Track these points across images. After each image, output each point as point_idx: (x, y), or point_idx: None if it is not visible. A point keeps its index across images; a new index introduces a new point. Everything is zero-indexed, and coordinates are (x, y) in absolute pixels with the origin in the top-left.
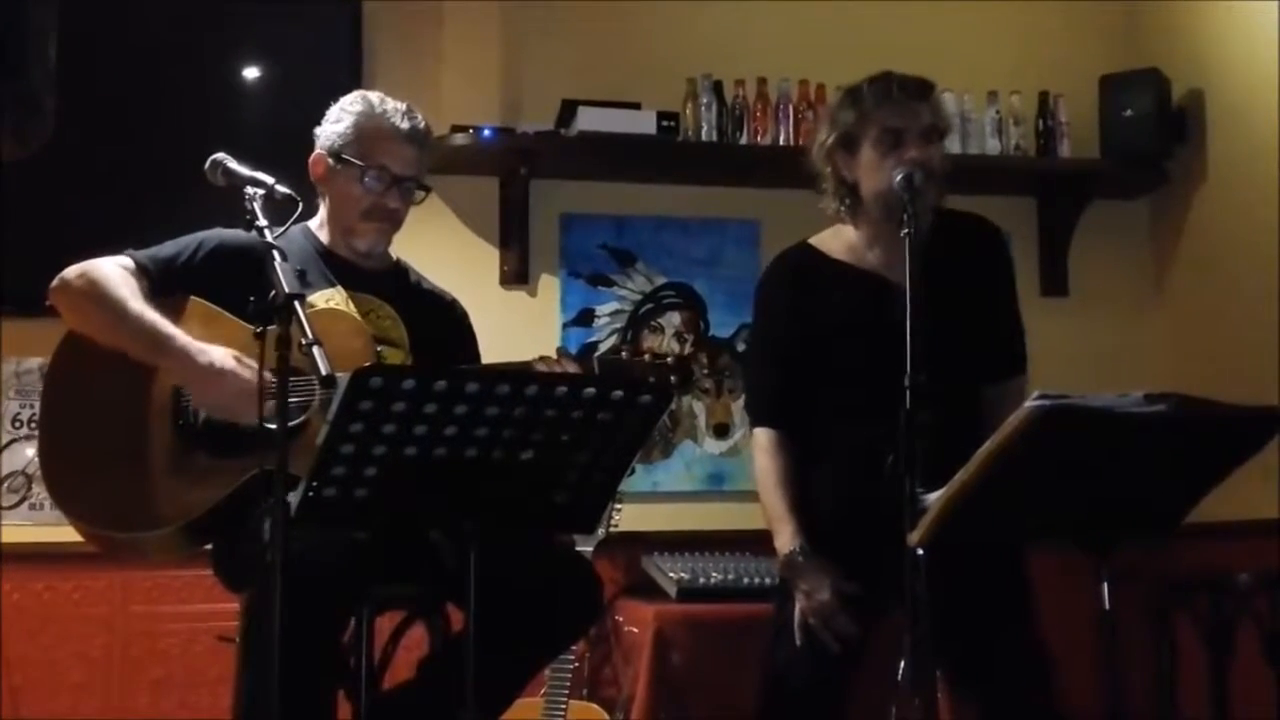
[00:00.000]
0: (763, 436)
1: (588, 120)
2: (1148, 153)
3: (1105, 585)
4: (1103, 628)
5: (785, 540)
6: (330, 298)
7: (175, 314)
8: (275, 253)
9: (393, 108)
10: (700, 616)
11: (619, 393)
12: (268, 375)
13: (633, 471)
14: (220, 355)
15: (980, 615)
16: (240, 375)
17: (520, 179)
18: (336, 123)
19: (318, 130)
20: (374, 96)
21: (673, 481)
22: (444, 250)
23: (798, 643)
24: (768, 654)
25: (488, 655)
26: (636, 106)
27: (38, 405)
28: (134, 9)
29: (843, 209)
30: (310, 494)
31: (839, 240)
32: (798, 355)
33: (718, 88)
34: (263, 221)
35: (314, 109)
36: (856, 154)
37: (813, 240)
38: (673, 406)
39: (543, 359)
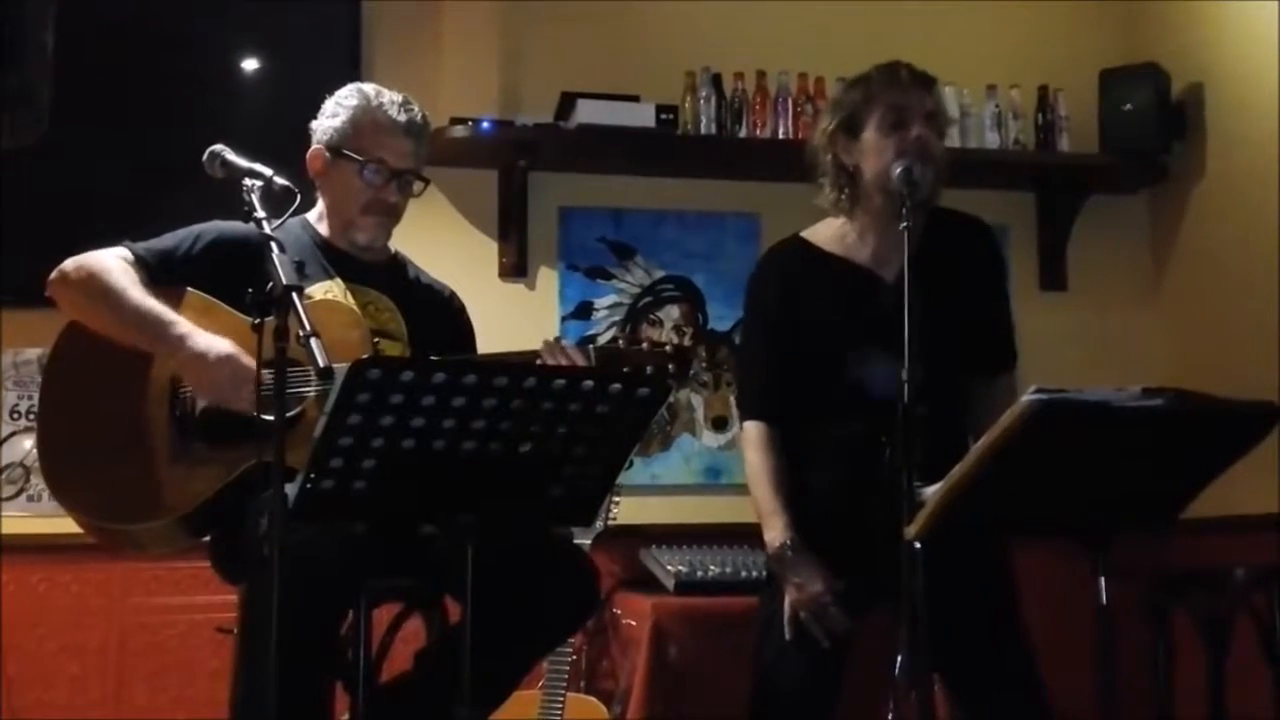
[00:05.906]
0: (752, 430)
1: (587, 113)
2: (1147, 147)
3: (1102, 580)
4: (1100, 623)
5: (776, 534)
6: (328, 290)
7: (173, 306)
8: (273, 244)
9: (389, 100)
10: (698, 609)
11: (617, 386)
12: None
13: (630, 464)
14: (219, 341)
15: (967, 611)
16: (239, 360)
17: (519, 171)
18: (333, 117)
19: (314, 125)
20: (369, 89)
21: (671, 474)
22: (442, 243)
23: (787, 637)
24: (755, 650)
25: (485, 648)
26: (635, 99)
27: (36, 396)
28: (133, 0)
29: (841, 199)
30: (308, 486)
31: (830, 233)
32: (788, 349)
33: (717, 81)
34: (261, 213)
35: (313, 101)
36: (859, 137)
37: (804, 233)
38: (671, 399)
39: (547, 345)
